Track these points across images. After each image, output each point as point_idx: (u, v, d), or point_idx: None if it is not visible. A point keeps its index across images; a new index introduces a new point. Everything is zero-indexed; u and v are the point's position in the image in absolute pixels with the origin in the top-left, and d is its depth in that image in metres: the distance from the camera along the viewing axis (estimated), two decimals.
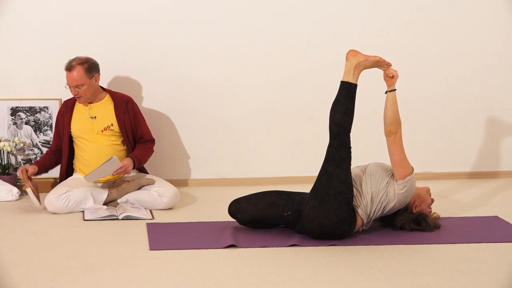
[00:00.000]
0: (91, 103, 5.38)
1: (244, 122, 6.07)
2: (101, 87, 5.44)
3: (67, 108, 5.40)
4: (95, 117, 5.35)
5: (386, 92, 4.58)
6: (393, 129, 4.54)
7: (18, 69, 5.75)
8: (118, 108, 5.39)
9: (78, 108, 5.40)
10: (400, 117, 4.56)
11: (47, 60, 5.76)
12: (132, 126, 5.42)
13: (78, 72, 5.24)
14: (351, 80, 4.51)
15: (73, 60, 5.28)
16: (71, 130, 5.36)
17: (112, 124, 5.36)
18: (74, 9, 5.76)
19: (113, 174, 5.22)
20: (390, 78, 4.57)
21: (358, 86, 4.53)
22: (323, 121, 5.84)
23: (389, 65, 4.58)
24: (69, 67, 5.26)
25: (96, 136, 5.33)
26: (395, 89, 4.57)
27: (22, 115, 5.75)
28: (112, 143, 5.35)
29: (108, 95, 5.44)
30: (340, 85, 4.52)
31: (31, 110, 5.76)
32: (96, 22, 5.78)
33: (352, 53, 4.56)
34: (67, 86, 5.29)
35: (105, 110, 5.39)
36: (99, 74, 5.35)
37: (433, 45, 6.18)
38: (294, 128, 6.12)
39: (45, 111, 5.76)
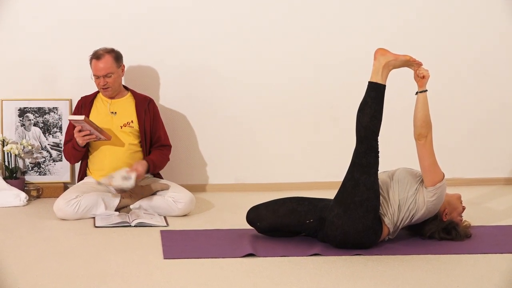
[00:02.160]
0: (112, 98, 5.44)
1: (264, 124, 6.09)
2: (123, 85, 5.53)
3: (85, 103, 5.46)
4: (115, 112, 5.43)
5: (416, 93, 4.57)
6: (423, 132, 4.53)
7: (26, 68, 5.80)
8: (140, 106, 5.46)
9: (97, 103, 5.47)
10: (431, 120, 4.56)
11: (56, 58, 5.81)
12: (151, 127, 5.47)
13: (107, 60, 5.32)
14: (379, 81, 4.50)
15: (99, 49, 5.38)
16: None
17: (132, 121, 5.42)
18: (85, 7, 5.81)
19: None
20: (421, 78, 4.56)
21: (386, 86, 4.53)
22: (348, 123, 5.84)
23: (419, 64, 4.57)
24: (97, 56, 5.33)
25: (114, 132, 5.37)
26: (426, 90, 4.56)
27: (31, 116, 5.79)
28: (129, 142, 5.40)
29: (130, 93, 5.53)
30: (368, 86, 4.51)
31: (40, 111, 5.80)
32: (107, 20, 5.83)
33: (380, 52, 4.55)
34: (93, 77, 5.36)
35: (126, 106, 5.46)
36: (124, 65, 5.44)
37: (464, 44, 6.19)
38: (317, 130, 6.13)
39: (54, 112, 5.79)
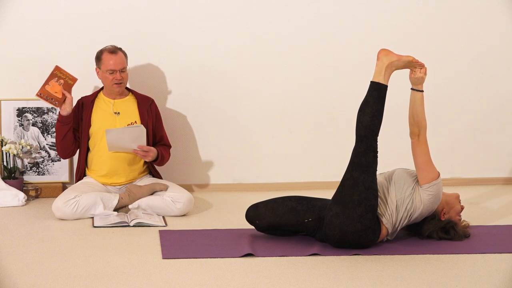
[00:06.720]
0: (114, 98, 5.45)
1: (262, 123, 6.10)
2: None
3: (86, 103, 5.46)
4: (118, 113, 5.43)
5: (412, 89, 4.62)
6: (415, 131, 4.58)
7: (24, 68, 5.82)
8: (142, 107, 5.48)
9: (99, 104, 5.48)
10: (426, 120, 4.58)
11: (55, 59, 5.80)
12: (154, 128, 5.49)
13: (121, 55, 5.40)
14: (381, 81, 4.52)
15: (109, 45, 5.41)
16: (91, 126, 5.42)
17: (135, 122, 5.43)
18: (84, 7, 5.83)
19: (133, 151, 5.26)
20: (417, 78, 4.60)
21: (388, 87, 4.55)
22: (346, 123, 5.88)
23: (422, 65, 4.60)
24: (112, 50, 5.38)
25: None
26: (422, 91, 4.59)
27: (29, 116, 5.81)
28: None
29: (131, 94, 5.54)
30: (370, 85, 4.53)
31: (39, 111, 5.81)
32: (104, 20, 5.84)
33: (384, 52, 4.57)
34: (107, 72, 5.35)
35: (129, 107, 5.48)
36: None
37: (463, 44, 6.20)
38: (315, 130, 6.14)
39: (53, 112, 5.81)
